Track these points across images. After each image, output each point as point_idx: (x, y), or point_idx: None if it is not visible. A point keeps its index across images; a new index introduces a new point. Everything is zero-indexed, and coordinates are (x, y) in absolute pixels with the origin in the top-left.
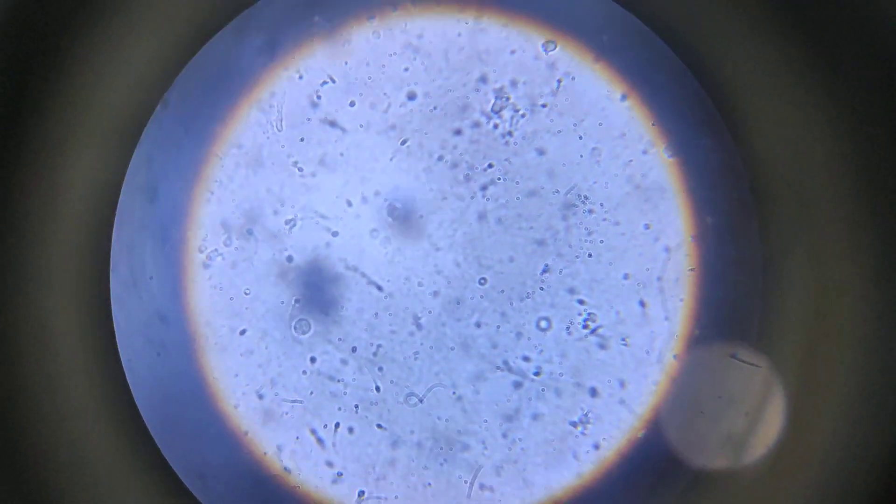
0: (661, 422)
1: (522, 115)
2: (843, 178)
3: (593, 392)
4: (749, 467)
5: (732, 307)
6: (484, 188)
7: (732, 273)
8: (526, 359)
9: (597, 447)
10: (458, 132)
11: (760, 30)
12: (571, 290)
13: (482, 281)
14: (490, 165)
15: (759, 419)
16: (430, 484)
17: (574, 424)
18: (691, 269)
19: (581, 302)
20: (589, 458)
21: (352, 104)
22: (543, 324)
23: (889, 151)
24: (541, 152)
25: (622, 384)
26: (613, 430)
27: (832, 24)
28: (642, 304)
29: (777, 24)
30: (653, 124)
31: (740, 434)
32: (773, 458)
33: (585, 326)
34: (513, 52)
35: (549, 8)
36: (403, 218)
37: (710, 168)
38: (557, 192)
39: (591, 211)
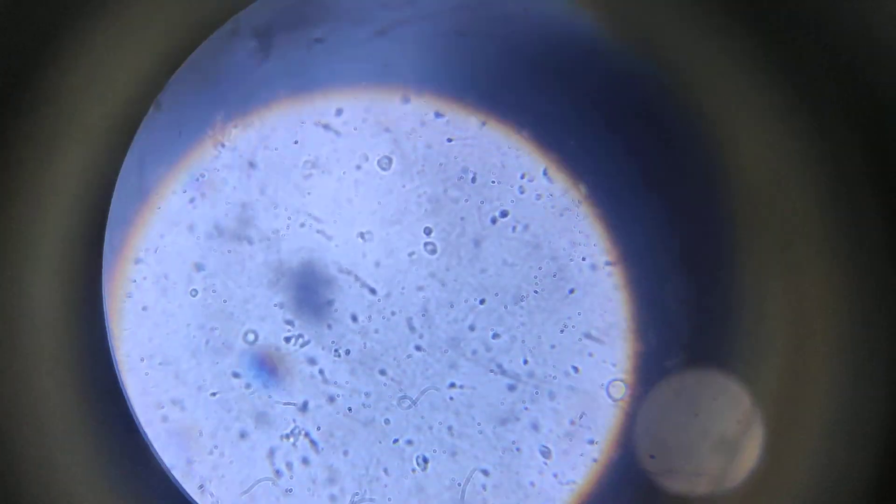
0: (646, 441)
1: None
2: (823, 197)
3: (584, 394)
4: (728, 494)
5: (714, 327)
6: (479, 191)
7: (714, 293)
8: (521, 362)
9: (592, 451)
10: (451, 132)
11: (743, 52)
12: (567, 292)
13: (476, 284)
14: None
15: (739, 447)
16: (423, 488)
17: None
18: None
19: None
20: (582, 462)
21: (343, 110)
22: (535, 329)
23: (868, 170)
24: (535, 155)
25: (612, 389)
26: (607, 433)
27: (812, 45)
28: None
29: (760, 49)
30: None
31: (722, 461)
32: (753, 484)
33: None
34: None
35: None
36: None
37: (691, 188)
38: (552, 195)
39: (586, 213)
